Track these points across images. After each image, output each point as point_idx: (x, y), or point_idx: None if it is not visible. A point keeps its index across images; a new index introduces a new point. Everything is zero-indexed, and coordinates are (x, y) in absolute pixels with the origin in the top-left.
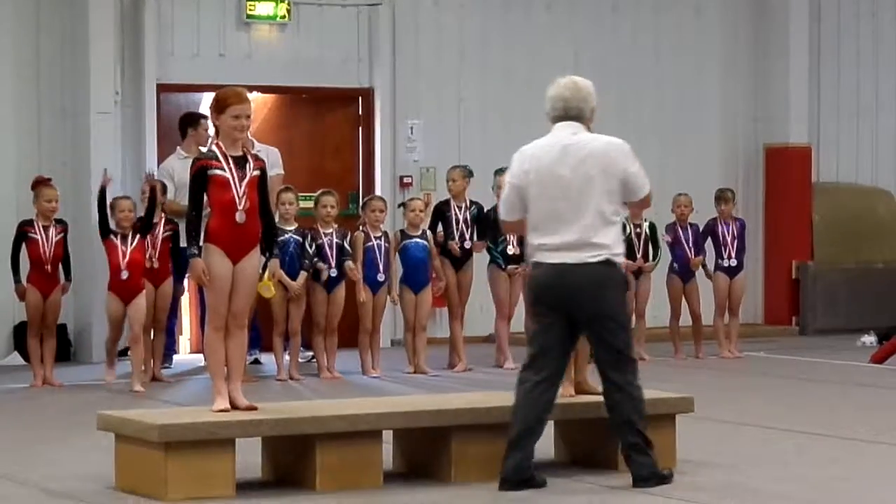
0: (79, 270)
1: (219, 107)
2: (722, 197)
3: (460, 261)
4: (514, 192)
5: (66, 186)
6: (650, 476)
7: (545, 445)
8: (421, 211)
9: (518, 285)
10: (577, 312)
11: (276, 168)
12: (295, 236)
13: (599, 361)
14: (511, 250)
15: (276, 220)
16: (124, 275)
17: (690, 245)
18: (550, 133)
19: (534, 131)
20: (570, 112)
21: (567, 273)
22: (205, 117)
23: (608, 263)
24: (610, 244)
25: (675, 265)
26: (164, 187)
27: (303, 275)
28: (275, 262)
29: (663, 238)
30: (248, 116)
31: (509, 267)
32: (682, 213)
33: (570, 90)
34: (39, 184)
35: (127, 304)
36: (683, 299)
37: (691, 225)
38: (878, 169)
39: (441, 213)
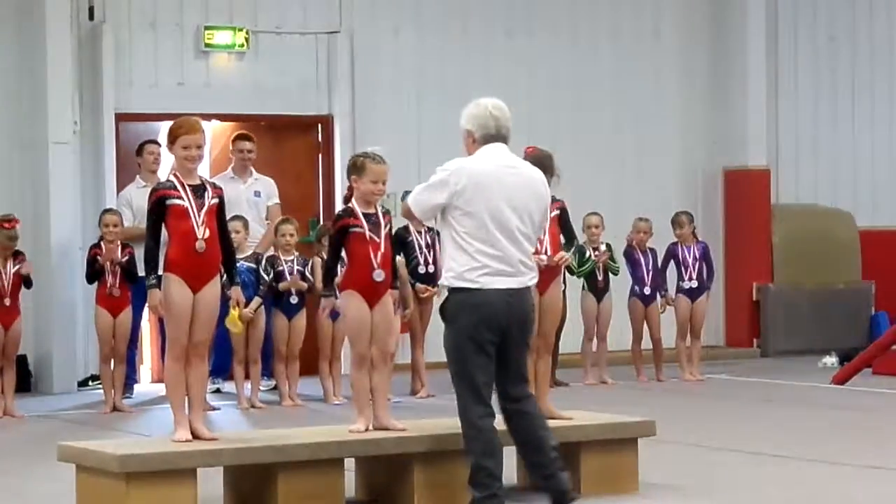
0: (38, 301)
1: (171, 137)
2: (677, 221)
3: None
4: (440, 199)
5: (25, 217)
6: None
7: (507, 470)
8: None
9: (429, 307)
10: (514, 337)
11: (273, 198)
12: (247, 263)
13: (511, 382)
14: (422, 269)
15: (277, 250)
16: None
17: (649, 269)
18: (485, 154)
19: None
20: (501, 132)
21: (515, 298)
22: (152, 142)
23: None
24: (535, 266)
25: (636, 288)
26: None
27: (256, 300)
28: (237, 290)
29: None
30: (200, 147)
31: (418, 286)
32: (641, 238)
33: (498, 110)
34: (1, 225)
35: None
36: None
37: (650, 249)
38: (838, 190)
39: (401, 238)
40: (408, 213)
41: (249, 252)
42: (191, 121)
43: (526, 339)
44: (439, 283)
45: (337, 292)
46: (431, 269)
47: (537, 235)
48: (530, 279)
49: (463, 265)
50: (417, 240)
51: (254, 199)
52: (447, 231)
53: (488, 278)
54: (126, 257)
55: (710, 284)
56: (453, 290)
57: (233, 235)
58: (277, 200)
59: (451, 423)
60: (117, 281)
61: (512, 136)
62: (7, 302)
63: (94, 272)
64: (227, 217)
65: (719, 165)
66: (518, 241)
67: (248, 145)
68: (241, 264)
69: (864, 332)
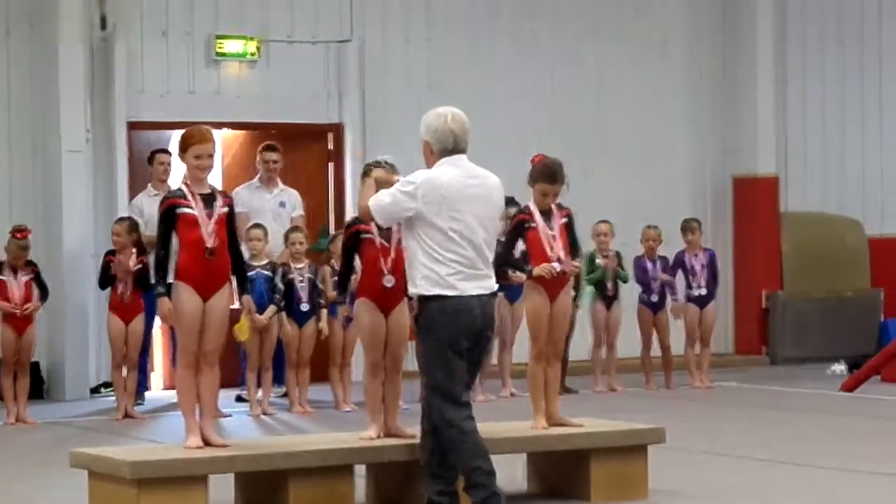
0: (50, 308)
1: (182, 146)
2: (688, 227)
3: None
4: (406, 212)
5: (38, 225)
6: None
7: (518, 477)
8: None
9: None
10: (483, 342)
11: (297, 209)
12: (263, 271)
13: (467, 387)
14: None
15: (288, 258)
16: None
17: (658, 277)
18: (448, 166)
19: (499, 163)
20: (460, 146)
21: (487, 303)
22: (163, 152)
23: None
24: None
25: (643, 296)
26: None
27: (271, 308)
28: (248, 299)
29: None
30: (211, 156)
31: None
32: (651, 245)
33: (457, 124)
34: (13, 234)
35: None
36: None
37: (660, 257)
38: (846, 198)
39: None
40: (366, 216)
41: (266, 261)
42: (202, 130)
43: (489, 343)
44: (409, 293)
45: (349, 299)
46: None
47: (495, 241)
48: (494, 283)
49: (437, 272)
50: None
51: (278, 209)
52: (414, 241)
53: (464, 283)
54: (139, 265)
55: (715, 292)
56: (429, 299)
57: (253, 243)
58: (302, 212)
59: None
60: (128, 288)
61: (522, 145)
62: (19, 312)
63: (107, 279)
64: (250, 225)
65: (728, 173)
66: (482, 250)
67: (274, 156)
68: (259, 272)
69: (873, 340)
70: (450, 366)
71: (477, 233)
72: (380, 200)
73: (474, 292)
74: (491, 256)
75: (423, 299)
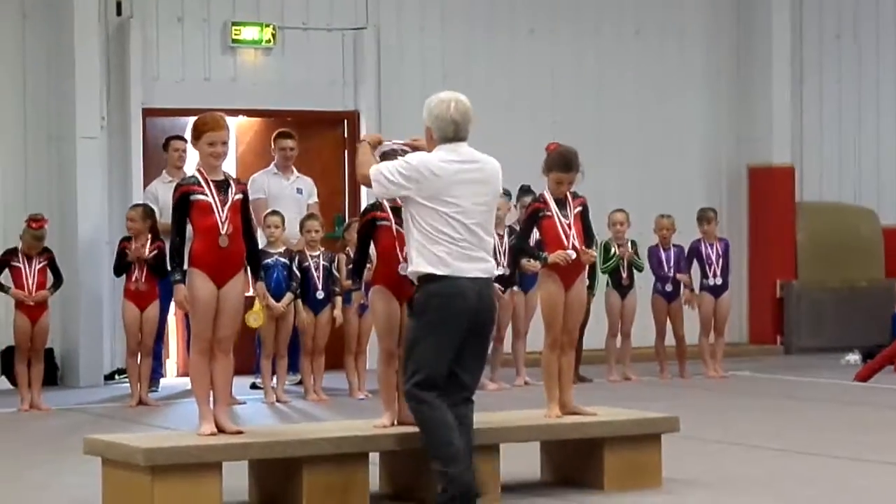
0: (64, 295)
1: (196, 133)
2: (704, 217)
3: None
4: (402, 191)
5: (52, 211)
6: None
7: (531, 466)
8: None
9: None
10: (482, 327)
11: (312, 196)
12: (282, 259)
13: (468, 378)
14: None
15: (303, 245)
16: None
17: (672, 266)
18: (446, 151)
19: (515, 152)
20: (460, 134)
21: (484, 287)
22: (178, 138)
23: None
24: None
25: (658, 285)
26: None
27: (288, 296)
28: (261, 286)
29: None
30: (224, 143)
31: None
32: (664, 234)
33: (459, 113)
34: (28, 224)
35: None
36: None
37: (674, 246)
38: (861, 188)
39: None
40: (365, 182)
41: (283, 248)
42: (215, 117)
43: (490, 328)
44: (408, 272)
45: (363, 286)
46: None
47: (493, 225)
48: (493, 267)
49: (430, 250)
50: None
51: (296, 195)
52: (410, 222)
53: (458, 263)
54: (154, 251)
55: (728, 281)
56: (425, 280)
57: (271, 230)
58: (316, 199)
59: (475, 418)
60: (143, 275)
61: (537, 133)
62: (30, 302)
63: (122, 265)
64: (267, 211)
65: (744, 163)
66: (476, 233)
67: (289, 143)
68: (276, 259)
69: (887, 330)
70: (437, 351)
71: (472, 216)
72: (380, 175)
73: (470, 275)
74: (488, 240)
75: (419, 280)
